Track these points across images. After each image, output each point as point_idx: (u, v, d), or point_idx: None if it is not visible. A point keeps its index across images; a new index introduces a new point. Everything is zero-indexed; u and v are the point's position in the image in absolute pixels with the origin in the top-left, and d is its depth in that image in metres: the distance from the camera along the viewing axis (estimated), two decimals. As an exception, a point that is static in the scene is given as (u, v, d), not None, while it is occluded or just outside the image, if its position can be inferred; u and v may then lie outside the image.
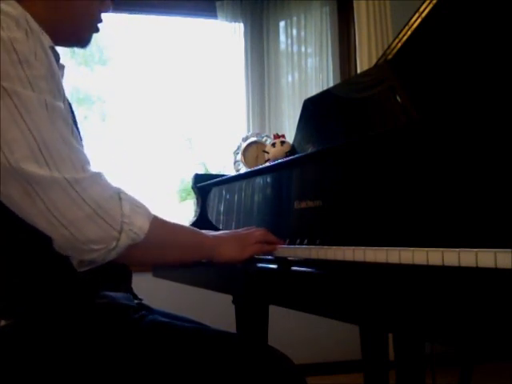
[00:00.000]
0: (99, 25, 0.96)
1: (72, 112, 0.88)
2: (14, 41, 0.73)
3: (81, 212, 0.73)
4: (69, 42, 0.95)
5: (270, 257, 1.02)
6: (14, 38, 0.73)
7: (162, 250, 0.86)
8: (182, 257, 0.92)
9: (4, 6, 0.74)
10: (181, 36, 3.30)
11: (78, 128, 0.87)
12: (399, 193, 0.85)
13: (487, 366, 2.52)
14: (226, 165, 2.89)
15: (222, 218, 1.53)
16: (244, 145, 1.89)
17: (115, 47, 3.17)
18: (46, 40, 0.79)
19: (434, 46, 1.20)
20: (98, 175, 0.78)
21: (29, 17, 0.77)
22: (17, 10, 0.75)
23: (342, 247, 0.79)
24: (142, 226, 0.78)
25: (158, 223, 0.82)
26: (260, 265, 1.01)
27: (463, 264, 0.58)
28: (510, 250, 0.54)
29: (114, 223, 0.75)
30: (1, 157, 0.70)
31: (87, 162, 0.78)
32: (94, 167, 0.78)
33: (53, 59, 0.79)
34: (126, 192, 0.80)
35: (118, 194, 0.78)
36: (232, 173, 1.77)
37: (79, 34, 0.94)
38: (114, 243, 0.76)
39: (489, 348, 0.55)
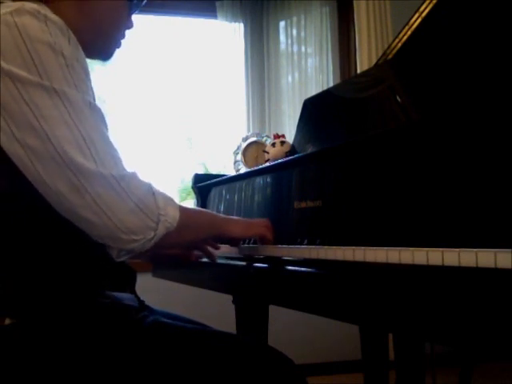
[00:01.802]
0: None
1: None
2: (61, 46, 0.77)
3: (125, 205, 0.79)
4: (92, 54, 0.97)
5: (269, 256, 1.02)
6: (61, 43, 0.78)
7: (187, 232, 0.94)
8: (202, 235, 1.03)
9: (48, 13, 0.78)
10: (181, 36, 3.31)
11: None
12: (399, 193, 0.85)
13: (487, 365, 2.52)
14: (226, 165, 2.89)
15: (222, 218, 1.53)
16: (244, 145, 1.89)
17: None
18: (80, 48, 0.82)
19: (434, 45, 1.20)
20: (135, 172, 0.84)
21: (66, 25, 0.80)
22: (57, 18, 0.79)
23: (341, 247, 0.79)
24: (174, 216, 0.86)
25: (183, 211, 0.89)
26: (260, 265, 1.01)
27: (463, 264, 0.58)
28: (509, 250, 0.54)
29: (152, 216, 0.83)
30: (52, 150, 0.75)
31: (122, 160, 0.84)
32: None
33: (88, 67, 0.84)
34: (155, 186, 0.87)
35: (152, 189, 0.85)
36: (232, 173, 1.77)
37: (105, 47, 0.98)
38: (153, 233, 0.83)
39: (489, 348, 0.55)
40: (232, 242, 1.14)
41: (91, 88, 0.84)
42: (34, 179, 0.76)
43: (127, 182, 0.80)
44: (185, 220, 0.89)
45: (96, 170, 0.77)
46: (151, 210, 0.82)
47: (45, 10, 0.79)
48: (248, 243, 1.16)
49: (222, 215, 1.09)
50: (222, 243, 1.17)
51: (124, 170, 0.82)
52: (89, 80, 0.83)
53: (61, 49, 0.77)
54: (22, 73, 0.74)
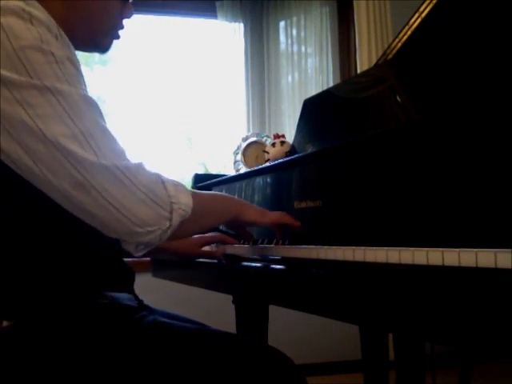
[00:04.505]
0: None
1: None
2: (49, 45, 0.75)
3: (134, 197, 0.77)
4: (88, 47, 0.96)
5: (270, 257, 1.02)
6: (49, 42, 0.76)
7: (204, 218, 0.93)
8: (219, 220, 1.03)
9: (33, 11, 0.76)
10: (181, 36, 3.30)
11: None
12: (399, 193, 0.85)
13: (487, 365, 2.52)
14: (226, 165, 2.89)
15: (221, 218, 1.53)
16: (244, 145, 1.88)
17: (115, 47, 3.16)
18: (71, 45, 0.81)
19: (433, 45, 1.20)
20: (141, 162, 0.81)
21: (54, 22, 0.78)
22: (45, 15, 0.77)
23: (341, 247, 0.79)
24: (187, 202, 0.84)
25: (196, 196, 0.87)
26: (259, 265, 1.01)
27: (463, 264, 0.58)
28: (509, 250, 0.54)
29: (164, 205, 0.80)
30: (51, 148, 0.73)
31: (125, 151, 0.81)
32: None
33: (79, 63, 0.82)
34: (163, 174, 0.84)
35: (160, 178, 0.82)
36: (232, 173, 1.77)
37: (98, 39, 0.95)
38: (168, 223, 0.81)
39: (489, 348, 0.55)
40: (241, 230, 1.11)
41: (84, 84, 0.81)
42: (39, 180, 0.74)
43: (133, 172, 0.77)
44: (199, 206, 0.86)
45: (98, 162, 0.74)
46: (162, 199, 0.79)
47: (30, 6, 0.76)
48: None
49: (236, 198, 1.07)
50: (231, 229, 1.17)
51: (127, 160, 0.79)
52: (81, 76, 0.80)
53: (49, 47, 0.75)
54: (13, 75, 0.72)
